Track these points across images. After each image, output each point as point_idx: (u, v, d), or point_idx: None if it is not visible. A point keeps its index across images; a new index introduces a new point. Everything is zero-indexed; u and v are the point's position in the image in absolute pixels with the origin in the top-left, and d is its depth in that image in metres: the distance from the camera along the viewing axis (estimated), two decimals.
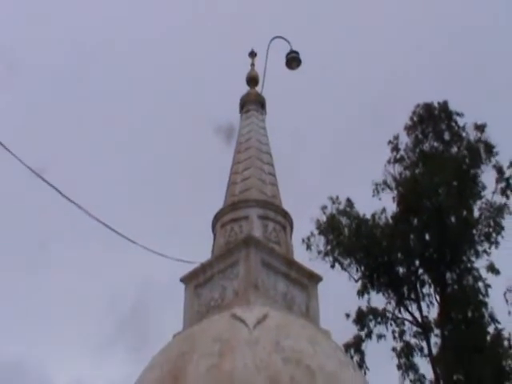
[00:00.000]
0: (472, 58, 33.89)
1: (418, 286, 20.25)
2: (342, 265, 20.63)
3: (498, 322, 19.40)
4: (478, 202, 20.40)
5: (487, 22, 34.10)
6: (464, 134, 21.00)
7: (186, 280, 12.28)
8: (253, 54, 14.86)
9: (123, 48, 36.28)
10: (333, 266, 20.54)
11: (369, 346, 20.16)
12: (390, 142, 21.20)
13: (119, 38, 35.46)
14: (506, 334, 19.22)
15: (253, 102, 14.37)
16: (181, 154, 31.28)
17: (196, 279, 12.18)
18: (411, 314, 20.24)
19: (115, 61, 36.18)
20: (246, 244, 11.73)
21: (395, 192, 20.78)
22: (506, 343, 19.14)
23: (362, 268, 20.54)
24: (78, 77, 34.71)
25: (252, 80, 14.57)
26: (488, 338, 19.30)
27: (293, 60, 14.69)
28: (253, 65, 14.80)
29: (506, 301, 19.05)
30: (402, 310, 20.34)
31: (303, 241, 20.10)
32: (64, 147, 32.33)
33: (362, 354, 19.99)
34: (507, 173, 20.16)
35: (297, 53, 14.72)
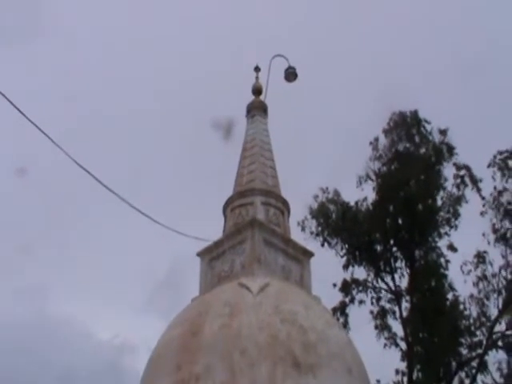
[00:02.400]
0: (440, 70, 33.75)
1: (392, 261, 20.20)
2: (330, 244, 20.57)
3: (456, 290, 19.40)
4: (441, 193, 20.32)
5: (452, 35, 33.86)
6: (430, 138, 20.89)
7: (201, 254, 12.31)
8: (257, 69, 14.97)
9: (140, 48, 35.61)
10: (323, 245, 20.48)
11: (351, 310, 20.15)
12: (370, 142, 21.10)
13: (135, 40, 34.85)
14: (461, 299, 19.21)
15: (257, 109, 14.39)
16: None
17: (210, 254, 12.20)
18: (386, 283, 20.20)
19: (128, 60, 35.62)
20: (252, 225, 11.76)
21: (375, 184, 20.71)
22: (461, 307, 19.14)
23: (347, 246, 20.48)
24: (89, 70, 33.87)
25: (256, 90, 14.65)
26: (447, 303, 19.28)
27: (290, 74, 14.72)
28: (257, 78, 14.89)
29: (462, 272, 19.02)
30: (379, 280, 20.28)
31: (298, 223, 20.04)
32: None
33: (346, 316, 19.98)
34: (462, 172, 20.10)
35: (294, 68, 14.74)
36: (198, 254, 12.36)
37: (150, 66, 35.44)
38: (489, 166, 19.54)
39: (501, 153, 19.54)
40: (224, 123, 14.20)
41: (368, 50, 35.08)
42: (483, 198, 19.56)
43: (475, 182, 19.79)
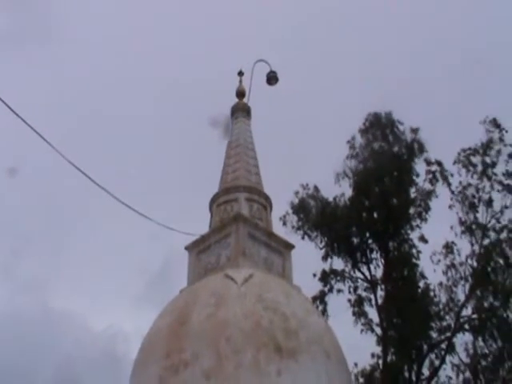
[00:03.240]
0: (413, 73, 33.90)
1: (367, 252, 20.26)
2: (310, 237, 20.59)
3: (426, 278, 19.56)
4: (413, 188, 20.40)
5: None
6: (403, 137, 20.96)
7: (189, 248, 12.27)
8: (240, 73, 14.89)
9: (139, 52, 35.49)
10: (303, 238, 20.50)
11: (330, 299, 20.18)
12: (348, 141, 21.14)
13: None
14: (432, 286, 19.34)
15: (241, 111, 14.35)
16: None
17: (197, 247, 12.16)
18: (362, 273, 20.26)
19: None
20: (236, 220, 11.73)
21: (351, 180, 20.74)
22: (432, 294, 19.27)
23: (326, 239, 20.50)
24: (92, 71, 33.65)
25: (240, 93, 14.60)
26: (419, 290, 19.39)
27: (272, 78, 14.68)
28: (240, 81, 14.81)
29: (432, 261, 19.16)
30: (355, 270, 20.34)
31: (280, 218, 20.03)
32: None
33: (325, 304, 20.00)
34: (433, 168, 20.18)
35: (275, 72, 14.72)
36: (186, 248, 12.31)
37: (148, 65, 35.48)
38: (454, 162, 19.68)
39: (464, 150, 19.65)
40: (222, 122, 14.16)
41: (346, 55, 35.26)
42: (453, 192, 19.68)
43: (445, 177, 19.88)
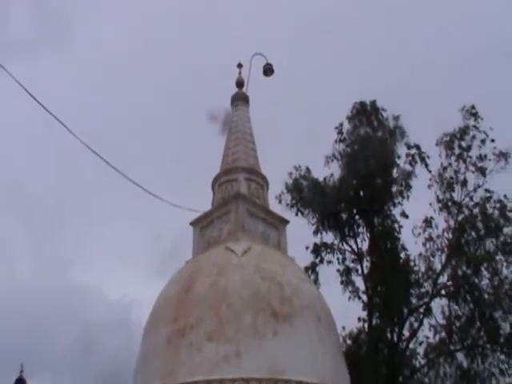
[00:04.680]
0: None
1: (354, 227, 20.13)
2: (302, 213, 20.43)
3: (407, 250, 19.43)
4: (395, 169, 20.24)
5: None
6: (386, 123, 20.75)
7: (194, 224, 12.22)
8: (240, 65, 14.75)
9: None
10: (296, 214, 20.29)
11: (321, 269, 20.10)
12: (336, 127, 20.90)
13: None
14: (412, 257, 19.28)
15: (240, 99, 14.20)
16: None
17: (201, 223, 12.09)
18: (350, 246, 20.13)
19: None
20: (236, 198, 11.66)
21: (340, 162, 20.58)
22: (412, 264, 19.21)
23: (317, 215, 20.35)
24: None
25: (239, 83, 14.44)
26: (401, 261, 19.33)
27: (268, 70, 14.52)
28: (240, 73, 14.57)
29: (414, 234, 19.06)
30: (344, 243, 20.20)
31: (276, 197, 19.87)
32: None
33: (316, 274, 19.91)
34: (412, 151, 20.01)
35: (271, 65, 14.56)
36: (191, 224, 12.24)
37: (156, 55, 35.22)
38: (436, 144, 19.52)
39: (446, 134, 19.49)
40: (220, 116, 13.97)
41: (335, 50, 34.98)
42: (430, 172, 19.54)
43: (423, 159, 19.73)
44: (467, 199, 19.02)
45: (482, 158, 18.97)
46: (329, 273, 19.94)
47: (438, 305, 18.76)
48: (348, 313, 19.01)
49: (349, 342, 19.74)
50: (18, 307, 27.96)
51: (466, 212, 18.95)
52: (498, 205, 18.53)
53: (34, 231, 34.74)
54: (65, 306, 30.48)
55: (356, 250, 20.01)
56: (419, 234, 19.10)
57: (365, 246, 19.99)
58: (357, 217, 20.20)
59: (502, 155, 18.70)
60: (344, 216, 20.21)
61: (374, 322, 19.00)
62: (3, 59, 8.63)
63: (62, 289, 31.82)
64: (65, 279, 35.30)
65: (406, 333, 18.86)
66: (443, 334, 18.65)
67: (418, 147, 19.84)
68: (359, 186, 20.03)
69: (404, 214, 19.72)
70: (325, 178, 20.55)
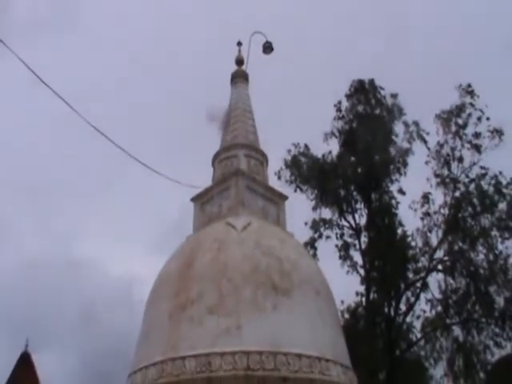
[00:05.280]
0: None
1: (352, 202, 20.13)
2: (301, 189, 20.41)
3: (404, 226, 19.51)
4: (393, 147, 20.15)
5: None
6: (384, 101, 20.61)
7: (194, 199, 12.14)
8: (239, 44, 14.61)
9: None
10: (295, 191, 20.30)
11: (320, 244, 20.13)
12: (335, 105, 20.79)
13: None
14: (409, 233, 19.33)
15: (240, 77, 14.03)
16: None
17: (201, 199, 12.02)
18: (348, 221, 20.16)
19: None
20: (236, 174, 11.57)
21: (338, 139, 20.48)
22: (409, 239, 19.25)
23: (315, 191, 20.34)
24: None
25: (239, 61, 14.29)
26: (397, 236, 19.35)
27: (267, 48, 14.35)
28: (239, 51, 14.41)
29: (411, 209, 19.07)
30: (342, 219, 20.22)
31: (275, 173, 19.84)
32: None
33: (315, 249, 19.94)
34: (410, 128, 19.89)
35: (270, 43, 14.38)
36: (192, 200, 12.15)
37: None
38: (434, 121, 19.42)
39: (443, 112, 19.35)
40: (219, 115, 13.77)
41: (335, 27, 34.59)
42: (429, 149, 19.46)
43: (420, 135, 19.64)
44: (463, 176, 19.00)
45: (477, 135, 18.92)
46: (327, 248, 19.98)
47: (435, 279, 18.86)
48: (346, 287, 19.09)
49: (347, 315, 19.84)
50: (23, 282, 28.06)
51: (462, 188, 18.93)
52: (493, 181, 18.51)
53: (38, 207, 34.74)
54: (68, 281, 30.57)
55: (354, 225, 20.02)
56: (416, 210, 19.13)
57: (363, 221, 20.02)
58: (355, 193, 20.17)
59: (497, 132, 18.63)
60: (342, 192, 20.18)
61: (371, 296, 19.08)
62: (4, 36, 8.45)
63: (66, 264, 31.93)
64: (68, 254, 35.40)
65: (403, 307, 18.97)
66: (439, 308, 18.75)
67: (416, 124, 19.75)
68: (357, 162, 19.96)
69: (401, 191, 19.72)
70: (323, 155, 20.49)
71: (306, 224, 20.11)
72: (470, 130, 19.06)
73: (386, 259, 18.61)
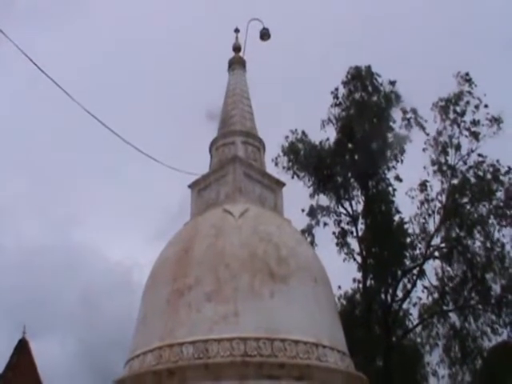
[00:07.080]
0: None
1: (350, 190, 20.13)
2: (299, 176, 20.40)
3: (401, 213, 19.57)
4: (390, 134, 20.10)
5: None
6: (381, 88, 20.52)
7: (192, 186, 12.11)
8: (237, 30, 14.46)
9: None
10: (293, 177, 20.30)
11: (317, 231, 20.18)
12: (332, 92, 20.69)
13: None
14: (406, 219, 19.36)
15: (237, 63, 13.92)
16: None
17: (199, 185, 11.99)
18: (345, 208, 20.19)
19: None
20: (233, 161, 11.54)
21: (335, 126, 20.42)
22: (406, 226, 19.27)
23: (313, 178, 20.33)
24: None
25: (236, 48, 14.18)
26: (394, 223, 19.37)
27: (264, 35, 14.30)
28: (237, 38, 14.28)
29: (409, 196, 19.15)
30: (339, 206, 20.25)
31: (272, 160, 19.83)
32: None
33: (312, 236, 20.02)
34: (408, 115, 19.82)
35: (267, 29, 14.32)
36: (189, 186, 12.12)
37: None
38: (432, 109, 19.38)
39: (441, 99, 19.30)
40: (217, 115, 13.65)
41: (333, 14, 34.36)
42: (427, 135, 19.44)
43: (419, 123, 19.59)
44: (461, 163, 19.01)
45: (475, 123, 18.91)
46: (325, 235, 20.04)
47: (432, 266, 18.98)
48: (343, 274, 19.17)
49: (344, 302, 19.91)
50: (22, 267, 28.14)
51: (460, 176, 18.93)
52: (490, 169, 18.52)
53: (38, 192, 34.75)
54: (67, 266, 30.73)
55: (351, 212, 20.06)
56: (413, 197, 19.15)
57: (360, 208, 20.07)
58: (352, 180, 20.17)
59: (495, 120, 18.61)
60: (339, 179, 20.18)
61: (368, 282, 19.15)
62: (3, 24, 8.36)
63: (65, 249, 32.05)
64: (67, 240, 35.53)
65: (400, 294, 19.08)
66: (436, 294, 18.85)
67: (414, 111, 19.70)
68: (354, 149, 19.93)
69: (398, 178, 19.75)
70: (321, 142, 20.45)
71: (303, 211, 20.17)
72: (468, 118, 19.07)
73: (383, 246, 18.66)
